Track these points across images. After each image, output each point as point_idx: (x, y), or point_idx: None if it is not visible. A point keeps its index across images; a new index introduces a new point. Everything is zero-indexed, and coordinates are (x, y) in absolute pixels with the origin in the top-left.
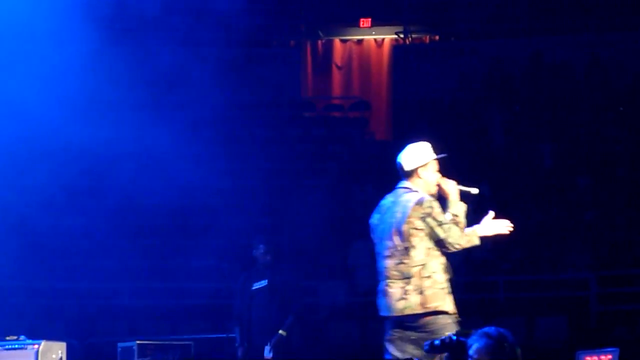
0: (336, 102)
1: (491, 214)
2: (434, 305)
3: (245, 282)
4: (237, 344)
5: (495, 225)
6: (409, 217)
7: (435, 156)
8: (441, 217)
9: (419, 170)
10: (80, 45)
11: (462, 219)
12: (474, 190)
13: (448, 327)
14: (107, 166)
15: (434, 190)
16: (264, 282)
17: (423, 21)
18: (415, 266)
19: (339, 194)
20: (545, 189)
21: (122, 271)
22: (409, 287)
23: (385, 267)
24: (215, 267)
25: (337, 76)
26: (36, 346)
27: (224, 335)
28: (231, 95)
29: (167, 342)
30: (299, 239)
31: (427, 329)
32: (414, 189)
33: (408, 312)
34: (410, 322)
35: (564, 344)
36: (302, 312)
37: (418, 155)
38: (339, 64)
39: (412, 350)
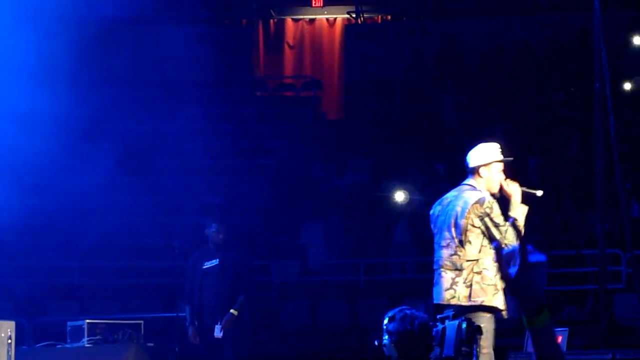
0: (288, 81)
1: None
2: (479, 300)
3: (197, 261)
4: (187, 323)
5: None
6: (467, 213)
7: (499, 158)
8: (499, 219)
9: (481, 169)
10: None
11: (521, 222)
12: (538, 193)
13: (484, 321)
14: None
15: (496, 190)
16: (215, 261)
17: (375, 1)
18: (468, 260)
19: (291, 173)
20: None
21: (71, 250)
22: (459, 279)
23: (441, 257)
24: (165, 245)
25: (289, 55)
26: None
27: (174, 314)
28: (183, 74)
29: (116, 322)
30: (251, 218)
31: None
32: (477, 188)
33: (454, 302)
34: (454, 312)
35: (515, 323)
36: (253, 291)
37: (482, 155)
38: (291, 44)
39: None
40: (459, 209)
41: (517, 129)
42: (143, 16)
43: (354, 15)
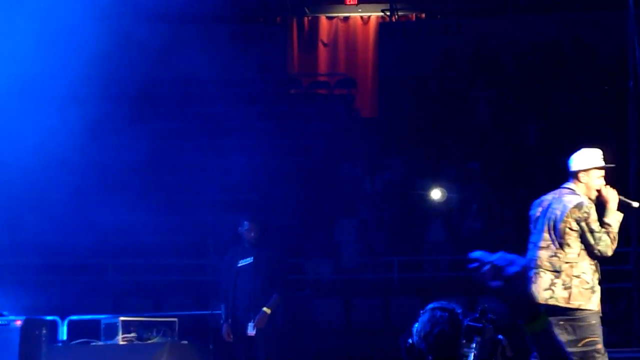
0: (322, 79)
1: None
2: (577, 303)
3: (232, 259)
4: (222, 321)
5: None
6: (566, 216)
7: (600, 164)
8: (595, 225)
9: (580, 174)
10: None
11: (614, 229)
12: (635, 204)
13: (587, 322)
14: None
15: (594, 195)
16: (249, 259)
17: None
18: (567, 262)
19: (325, 171)
20: (530, 167)
21: (105, 247)
22: (557, 281)
23: (538, 257)
24: (200, 243)
25: (323, 53)
26: (19, 322)
27: (208, 312)
28: (217, 72)
29: (150, 319)
30: (285, 216)
31: (571, 320)
32: (577, 192)
33: (552, 302)
34: (553, 313)
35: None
36: (287, 290)
37: (584, 160)
38: (325, 41)
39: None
40: (558, 212)
41: (550, 128)
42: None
43: (388, 13)
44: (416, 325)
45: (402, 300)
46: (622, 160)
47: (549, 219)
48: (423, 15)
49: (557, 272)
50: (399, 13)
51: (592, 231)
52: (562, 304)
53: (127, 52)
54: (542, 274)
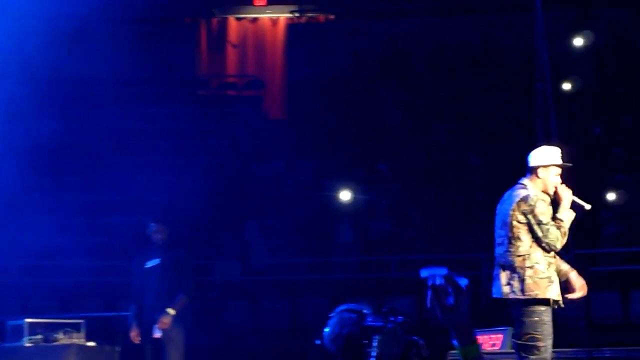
0: (231, 80)
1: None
2: (534, 293)
3: (140, 260)
4: (129, 322)
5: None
6: (512, 210)
7: (559, 162)
8: (542, 217)
9: (539, 170)
10: None
11: (565, 225)
12: (587, 206)
13: (538, 315)
14: None
15: (551, 191)
16: (157, 261)
17: (318, 0)
18: (520, 256)
19: (234, 172)
20: (440, 168)
21: (11, 248)
22: (514, 275)
23: (497, 255)
24: (108, 244)
25: (231, 54)
26: None
27: (116, 314)
28: (125, 73)
29: (57, 321)
30: (193, 217)
31: (523, 311)
32: (528, 187)
33: (512, 296)
34: (516, 306)
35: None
36: (193, 291)
37: (544, 156)
38: (234, 42)
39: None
40: (507, 206)
41: (461, 129)
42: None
43: (297, 15)
44: (326, 328)
45: (311, 301)
46: None
47: (501, 215)
48: (332, 16)
49: (512, 266)
50: (308, 14)
51: (539, 223)
52: (520, 296)
53: (30, 53)
54: (501, 270)
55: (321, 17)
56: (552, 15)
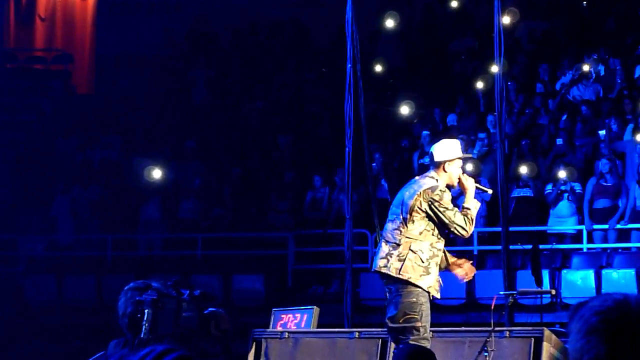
0: (39, 54)
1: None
2: (407, 276)
3: None
4: None
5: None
6: (418, 195)
7: (462, 154)
8: (448, 205)
9: (446, 164)
10: None
11: (472, 213)
12: (489, 191)
13: (415, 296)
14: None
15: (455, 183)
16: None
17: None
18: (408, 237)
19: (41, 146)
20: (248, 147)
21: None
22: (394, 252)
23: (385, 229)
24: None
25: (40, 28)
26: None
27: None
28: None
29: None
30: None
31: (398, 292)
32: (436, 178)
33: (384, 271)
34: (385, 281)
35: (261, 302)
36: (1, 265)
37: (448, 151)
38: (43, 16)
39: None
40: (411, 190)
41: (269, 108)
42: None
43: None
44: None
45: (116, 278)
46: (338, 141)
47: (402, 195)
48: None
49: (396, 244)
50: None
51: (445, 210)
52: (393, 273)
53: None
54: (383, 244)
55: None
56: None
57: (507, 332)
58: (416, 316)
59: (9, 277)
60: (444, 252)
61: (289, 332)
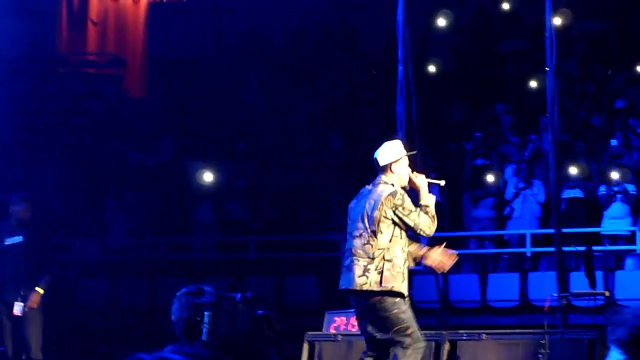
0: (91, 58)
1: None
2: (390, 285)
3: None
4: None
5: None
6: (380, 204)
7: (405, 153)
8: (411, 206)
9: (392, 166)
10: None
11: (432, 209)
12: (441, 182)
13: (397, 305)
14: None
15: (406, 183)
16: (18, 238)
17: None
18: (380, 249)
19: (93, 150)
20: (300, 149)
21: None
22: (371, 266)
23: (353, 246)
24: None
25: (92, 32)
26: None
27: None
28: None
29: None
30: (51, 196)
31: (380, 307)
32: (389, 182)
33: (366, 287)
34: (366, 298)
35: (315, 304)
36: (55, 270)
37: (392, 152)
38: (95, 20)
39: (370, 329)
40: (372, 201)
41: (320, 111)
42: None
43: None
44: (172, 315)
45: (169, 281)
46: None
47: (363, 208)
48: None
49: (370, 258)
50: None
51: (410, 212)
52: (375, 288)
53: None
54: (356, 261)
55: None
56: None
57: (561, 334)
58: (405, 325)
59: (62, 280)
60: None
61: (342, 335)
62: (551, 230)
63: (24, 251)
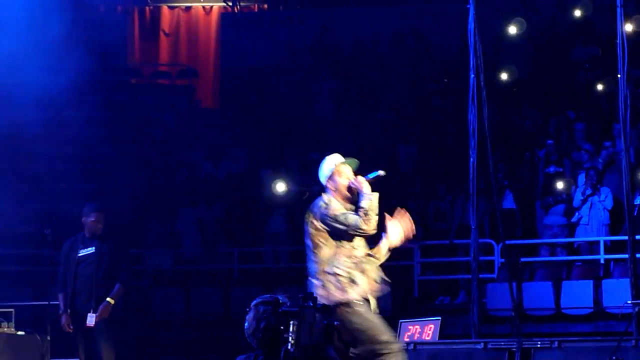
0: (163, 69)
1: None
2: (336, 298)
3: (71, 248)
4: (60, 311)
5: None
6: (310, 219)
7: (340, 160)
8: (337, 212)
9: (329, 183)
10: None
11: (373, 208)
12: (381, 173)
13: (355, 316)
14: None
15: (346, 192)
16: (91, 249)
17: None
18: (321, 264)
19: (166, 161)
20: (369, 158)
21: None
22: (318, 283)
23: (307, 267)
24: (37, 233)
25: (164, 43)
26: None
27: (46, 302)
28: (57, 61)
29: None
30: (125, 206)
31: (343, 321)
32: (324, 199)
33: (322, 301)
34: (330, 316)
35: (388, 312)
36: (128, 280)
37: (325, 166)
38: (167, 31)
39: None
40: (306, 221)
41: (392, 119)
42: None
43: (230, 4)
44: (245, 324)
45: (242, 291)
46: (463, 151)
47: (305, 227)
48: (265, 6)
49: (316, 274)
50: (241, 4)
51: (336, 217)
52: (325, 302)
53: None
54: (311, 281)
55: (254, 7)
56: (486, 4)
57: (635, 341)
58: (372, 332)
59: (136, 290)
60: (370, 252)
61: (415, 343)
62: (624, 237)
63: (97, 262)
